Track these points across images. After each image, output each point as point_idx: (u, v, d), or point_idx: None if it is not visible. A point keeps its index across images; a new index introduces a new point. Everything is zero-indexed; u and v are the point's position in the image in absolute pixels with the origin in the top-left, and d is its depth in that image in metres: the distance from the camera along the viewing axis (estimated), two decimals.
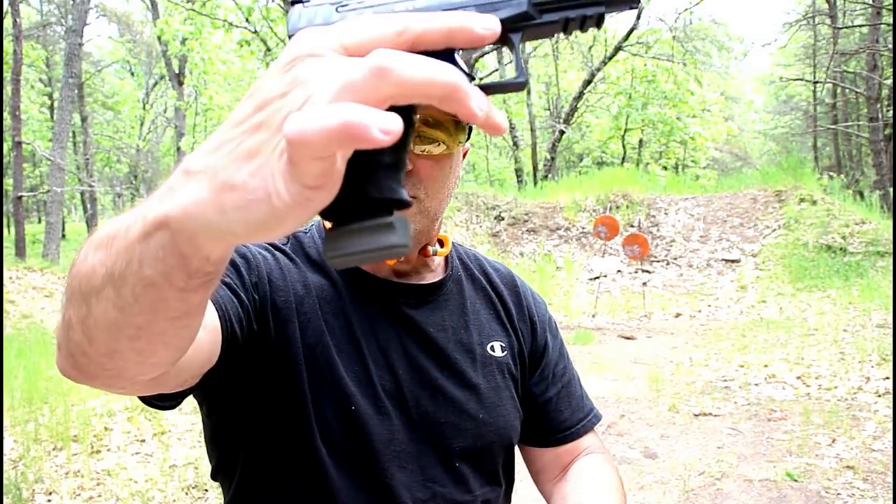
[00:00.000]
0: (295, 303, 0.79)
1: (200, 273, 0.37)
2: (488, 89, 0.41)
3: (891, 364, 4.79)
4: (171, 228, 0.35)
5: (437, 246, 0.89)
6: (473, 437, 0.84)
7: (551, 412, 0.95)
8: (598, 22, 0.41)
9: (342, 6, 0.44)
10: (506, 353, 0.91)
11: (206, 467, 3.14)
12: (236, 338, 0.70)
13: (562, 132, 18.61)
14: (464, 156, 0.83)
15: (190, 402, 4.31)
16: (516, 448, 0.96)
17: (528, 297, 1.00)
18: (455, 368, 0.85)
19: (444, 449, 0.83)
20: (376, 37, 0.33)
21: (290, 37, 0.41)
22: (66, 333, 0.46)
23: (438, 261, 0.91)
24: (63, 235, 20.58)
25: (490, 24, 0.35)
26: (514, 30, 0.41)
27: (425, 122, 0.76)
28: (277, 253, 0.84)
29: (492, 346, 0.90)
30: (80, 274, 0.43)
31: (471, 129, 0.84)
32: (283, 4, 11.08)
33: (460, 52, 0.40)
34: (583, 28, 0.41)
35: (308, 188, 0.30)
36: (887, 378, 4.55)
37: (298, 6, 0.46)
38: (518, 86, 0.41)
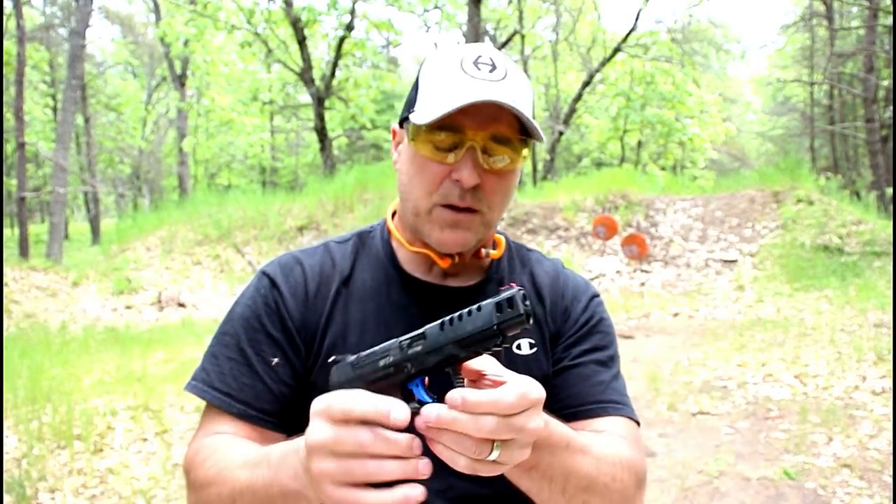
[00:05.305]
0: (324, 324, 0.91)
1: None
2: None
3: (887, 363, 4.82)
4: (305, 497, 0.66)
5: (491, 248, 0.96)
6: None
7: (564, 383, 0.93)
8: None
9: (356, 366, 0.66)
10: (535, 349, 0.94)
11: None
12: (285, 396, 0.88)
13: (561, 133, 18.64)
14: None
15: (192, 401, 4.34)
16: None
17: (569, 287, 1.02)
18: None
19: None
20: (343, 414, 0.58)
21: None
22: None
23: (489, 261, 0.97)
24: (66, 235, 20.58)
25: (401, 419, 0.58)
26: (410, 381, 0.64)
27: (494, 138, 0.80)
28: (313, 270, 0.93)
29: (518, 345, 0.93)
30: None
31: (532, 143, 0.89)
32: (284, 6, 11.11)
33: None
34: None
35: None
36: (884, 377, 4.58)
37: (334, 367, 0.69)
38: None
